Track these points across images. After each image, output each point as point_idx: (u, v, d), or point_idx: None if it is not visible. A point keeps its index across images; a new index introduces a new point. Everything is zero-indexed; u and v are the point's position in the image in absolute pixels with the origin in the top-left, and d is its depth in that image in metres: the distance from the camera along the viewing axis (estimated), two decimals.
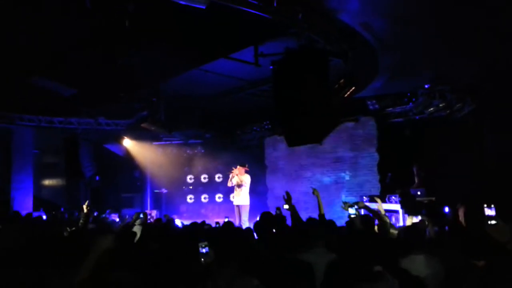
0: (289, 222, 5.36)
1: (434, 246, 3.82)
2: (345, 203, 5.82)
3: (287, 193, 5.35)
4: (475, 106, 8.55)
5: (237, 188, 9.83)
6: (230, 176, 9.93)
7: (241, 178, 9.77)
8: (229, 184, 10.07)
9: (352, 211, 5.60)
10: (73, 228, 5.42)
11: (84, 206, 5.82)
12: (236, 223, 8.78)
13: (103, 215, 10.06)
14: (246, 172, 9.99)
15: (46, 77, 8.79)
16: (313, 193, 5.75)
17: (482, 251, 2.65)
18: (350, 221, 5.20)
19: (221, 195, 14.43)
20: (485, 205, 4.18)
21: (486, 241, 2.64)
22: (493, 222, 3.21)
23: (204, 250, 3.52)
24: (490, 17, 5.88)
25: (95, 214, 10.56)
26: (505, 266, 2.40)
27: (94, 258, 3.20)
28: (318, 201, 5.59)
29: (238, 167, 9.89)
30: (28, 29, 6.57)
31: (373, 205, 8.76)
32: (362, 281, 2.52)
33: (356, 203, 5.52)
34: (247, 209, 9.65)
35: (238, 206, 9.74)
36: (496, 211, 4.06)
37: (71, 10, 5.27)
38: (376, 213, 5.13)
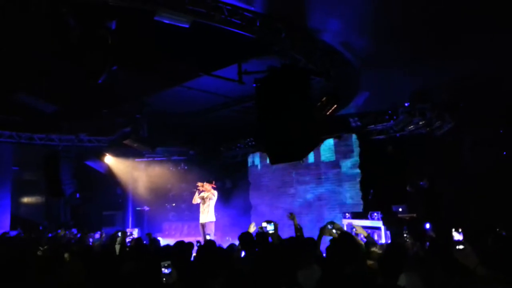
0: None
1: (415, 263, 3.84)
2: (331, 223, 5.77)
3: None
4: (454, 123, 8.74)
5: (202, 205, 9.65)
6: (196, 193, 9.75)
7: (208, 194, 9.60)
8: (194, 202, 9.85)
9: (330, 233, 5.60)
10: (45, 247, 5.32)
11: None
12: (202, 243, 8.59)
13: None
14: (214, 189, 9.84)
15: (27, 94, 8.68)
16: (290, 217, 5.84)
17: (459, 269, 2.69)
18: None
19: None
20: (453, 229, 4.20)
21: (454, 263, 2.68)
22: (461, 247, 3.24)
23: (166, 271, 3.46)
24: (466, 35, 6.08)
25: (75, 232, 10.35)
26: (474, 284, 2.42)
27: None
28: (294, 224, 5.69)
29: (205, 183, 9.75)
30: (9, 46, 6.51)
31: (356, 222, 8.86)
32: None
33: (331, 223, 5.48)
34: (212, 226, 9.45)
35: (202, 224, 9.52)
36: (464, 236, 4.09)
37: (54, 27, 5.25)
38: (350, 235, 5.10)
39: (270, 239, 5.34)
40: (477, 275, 2.56)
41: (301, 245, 4.48)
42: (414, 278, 3.26)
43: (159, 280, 3.42)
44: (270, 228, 5.52)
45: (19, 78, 7.95)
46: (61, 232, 6.34)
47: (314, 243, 4.84)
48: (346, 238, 4.80)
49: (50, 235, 9.40)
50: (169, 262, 3.54)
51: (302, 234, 5.55)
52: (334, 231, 5.60)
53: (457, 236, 4.13)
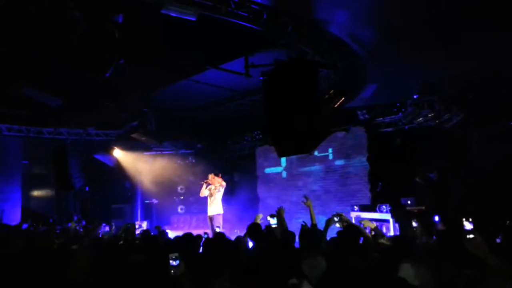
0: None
1: (424, 254, 3.83)
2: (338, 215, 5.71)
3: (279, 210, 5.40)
4: (463, 116, 8.66)
5: (209, 198, 9.71)
6: (204, 185, 9.79)
7: (215, 188, 9.67)
8: (201, 194, 9.90)
9: (338, 224, 5.56)
10: (59, 241, 5.38)
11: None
12: (210, 235, 8.65)
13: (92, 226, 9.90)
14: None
15: (33, 87, 8.74)
16: (306, 203, 5.76)
17: (469, 260, 2.67)
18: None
19: None
20: (464, 219, 4.16)
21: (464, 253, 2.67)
22: (471, 236, 3.22)
23: (174, 263, 3.47)
24: (474, 29, 6.00)
25: (84, 224, 10.45)
26: (487, 274, 2.42)
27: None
28: (310, 212, 5.62)
29: (212, 177, 9.81)
30: (15, 40, 6.55)
31: (364, 215, 8.85)
32: None
33: (338, 215, 5.43)
34: (220, 219, 9.50)
35: (210, 217, 9.60)
36: (474, 225, 4.06)
37: (60, 21, 5.27)
38: (356, 227, 5.07)
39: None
40: (487, 265, 2.54)
41: (307, 236, 4.47)
42: (422, 270, 3.24)
43: (167, 271, 3.44)
44: (273, 222, 5.45)
45: (26, 72, 8.00)
46: (72, 225, 6.42)
47: (320, 234, 4.84)
48: (352, 230, 4.82)
49: (59, 227, 9.51)
50: (176, 254, 3.55)
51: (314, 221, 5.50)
52: (337, 225, 5.60)
53: (468, 225, 4.10)
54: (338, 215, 5.41)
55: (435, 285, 2.80)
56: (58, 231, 8.18)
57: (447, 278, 2.78)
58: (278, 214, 5.67)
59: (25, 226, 10.42)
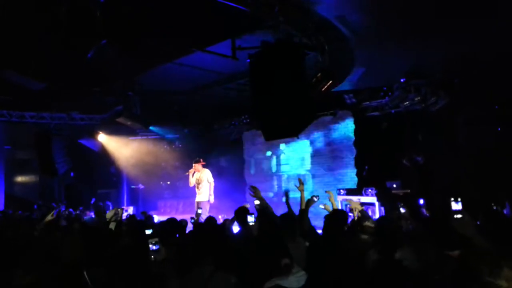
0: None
1: (409, 238, 3.85)
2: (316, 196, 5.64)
3: (253, 188, 5.22)
4: (449, 100, 8.70)
5: (197, 185, 9.64)
6: (189, 176, 9.71)
7: (201, 175, 9.62)
8: (190, 185, 9.78)
9: (321, 206, 5.55)
10: (42, 227, 5.31)
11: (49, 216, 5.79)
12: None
13: (77, 212, 9.81)
14: (204, 166, 9.81)
15: (13, 71, 8.50)
16: (298, 187, 5.71)
17: (456, 242, 2.69)
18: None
19: None
20: (452, 199, 4.20)
21: (452, 234, 2.68)
22: (459, 216, 3.24)
23: (154, 247, 3.41)
24: (462, 14, 5.99)
25: (71, 211, 10.33)
26: (475, 255, 2.43)
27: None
28: (301, 196, 5.57)
29: (194, 164, 9.71)
30: None
31: (350, 198, 8.90)
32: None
33: (316, 196, 5.35)
34: (207, 206, 9.45)
35: (198, 202, 9.58)
36: (463, 205, 4.10)
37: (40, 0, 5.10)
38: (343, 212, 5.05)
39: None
40: (475, 246, 2.57)
41: (284, 219, 4.45)
42: (407, 254, 3.27)
43: (147, 256, 3.38)
44: (251, 219, 5.17)
45: (7, 55, 7.76)
46: (56, 207, 6.36)
47: (298, 217, 4.83)
48: (338, 214, 4.84)
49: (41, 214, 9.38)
50: (156, 239, 3.48)
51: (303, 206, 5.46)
52: (321, 206, 5.60)
53: (455, 206, 4.13)
54: (316, 196, 5.34)
55: (421, 268, 2.81)
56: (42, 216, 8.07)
57: (433, 260, 2.80)
58: (256, 194, 5.52)
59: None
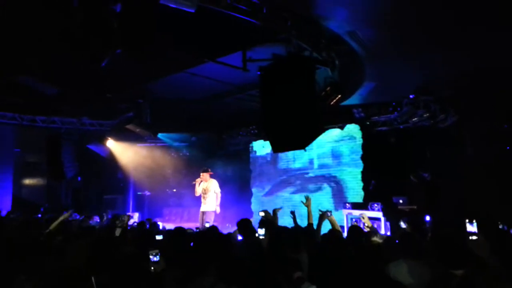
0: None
1: (416, 254, 3.84)
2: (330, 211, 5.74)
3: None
4: (458, 117, 8.69)
5: (203, 195, 9.67)
6: (196, 185, 9.73)
7: (208, 185, 9.65)
8: (196, 194, 9.81)
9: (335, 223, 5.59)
10: (48, 230, 5.35)
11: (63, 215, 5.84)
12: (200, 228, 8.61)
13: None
14: (211, 176, 9.86)
15: (28, 75, 8.64)
16: (305, 203, 5.79)
17: (461, 261, 2.68)
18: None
19: None
20: (467, 221, 4.20)
21: (466, 254, 2.68)
22: (474, 237, 3.24)
23: (155, 259, 3.44)
24: (475, 31, 6.02)
25: (77, 217, 10.37)
26: (482, 276, 2.43)
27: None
28: (308, 211, 5.65)
29: (201, 174, 9.75)
30: (10, 26, 6.46)
31: (355, 213, 8.89)
32: None
33: (330, 211, 5.46)
34: (212, 216, 9.47)
35: (203, 212, 9.60)
36: (478, 227, 4.10)
37: (57, 7, 5.20)
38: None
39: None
40: (488, 266, 2.56)
41: (289, 234, 4.47)
42: (416, 267, 3.27)
43: (147, 267, 3.41)
44: (261, 232, 5.05)
45: (21, 59, 7.90)
46: (67, 214, 6.39)
47: (313, 232, 4.87)
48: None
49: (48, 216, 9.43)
50: (157, 251, 3.52)
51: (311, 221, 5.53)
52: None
53: (470, 227, 4.14)
54: (329, 211, 5.45)
55: (429, 283, 2.81)
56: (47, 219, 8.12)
57: (440, 277, 2.80)
58: (274, 214, 5.74)
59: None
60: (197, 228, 6.98)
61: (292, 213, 5.96)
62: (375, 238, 4.79)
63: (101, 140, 13.79)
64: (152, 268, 3.39)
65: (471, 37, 6.27)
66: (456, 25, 5.95)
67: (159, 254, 3.46)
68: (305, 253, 3.99)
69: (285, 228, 4.94)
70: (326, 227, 5.13)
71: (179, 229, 4.58)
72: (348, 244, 4.20)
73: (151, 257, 3.43)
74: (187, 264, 3.44)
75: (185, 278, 3.21)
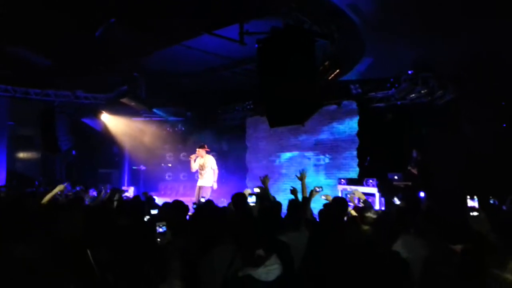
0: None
1: (410, 229, 3.86)
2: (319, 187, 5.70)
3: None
4: (456, 94, 8.65)
5: (200, 171, 9.66)
6: (191, 161, 9.69)
7: (204, 161, 9.64)
8: (192, 170, 9.79)
9: (323, 197, 5.60)
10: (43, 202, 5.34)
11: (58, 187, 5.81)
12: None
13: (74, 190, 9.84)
14: (208, 153, 9.84)
15: (21, 46, 8.45)
16: (299, 177, 5.75)
17: (460, 237, 2.69)
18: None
19: None
20: (468, 196, 4.21)
21: (466, 230, 2.69)
22: (475, 213, 3.25)
23: (161, 230, 3.44)
24: (477, 12, 5.92)
25: (69, 188, 10.35)
26: (481, 250, 2.45)
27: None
28: (302, 185, 5.63)
29: (197, 149, 9.72)
30: None
31: (351, 188, 8.94)
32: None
33: (319, 187, 5.44)
34: (209, 191, 9.51)
35: (200, 187, 9.63)
36: (479, 203, 4.12)
37: None
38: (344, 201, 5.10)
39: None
40: (487, 242, 2.58)
41: (293, 207, 4.48)
42: (413, 244, 3.29)
43: (152, 238, 3.41)
44: (251, 200, 5.20)
45: (14, 31, 7.71)
46: (61, 186, 6.36)
47: (303, 206, 4.87)
48: (339, 203, 4.87)
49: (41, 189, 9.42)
50: (164, 223, 3.52)
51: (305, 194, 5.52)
52: (323, 197, 5.64)
53: (471, 203, 4.15)
54: (319, 187, 5.43)
55: (427, 257, 2.83)
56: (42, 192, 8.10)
57: (437, 252, 2.81)
58: (263, 183, 5.71)
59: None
60: (194, 203, 6.97)
61: (294, 191, 5.88)
62: (369, 214, 4.79)
63: (96, 113, 13.65)
64: (159, 239, 3.39)
65: (476, 21, 6.18)
66: (459, 7, 5.84)
67: (165, 225, 3.45)
68: (304, 228, 4.00)
69: (276, 204, 4.96)
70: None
71: (178, 202, 4.56)
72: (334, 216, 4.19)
73: (157, 228, 3.43)
74: (203, 234, 3.44)
75: (202, 248, 3.22)
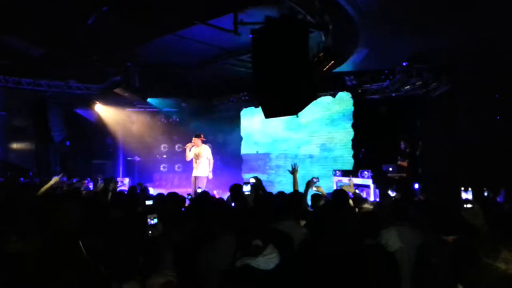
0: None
1: (405, 220, 3.88)
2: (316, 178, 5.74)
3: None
4: (450, 86, 8.66)
5: (195, 161, 9.64)
6: (187, 150, 9.69)
7: (200, 150, 9.62)
8: (187, 159, 9.79)
9: (314, 188, 5.64)
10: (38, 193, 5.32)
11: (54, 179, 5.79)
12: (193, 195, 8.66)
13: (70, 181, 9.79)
14: (204, 142, 9.82)
15: (13, 35, 8.33)
16: (291, 172, 5.74)
17: (453, 228, 2.71)
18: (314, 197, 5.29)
19: None
20: (462, 188, 4.23)
21: (458, 221, 2.70)
22: (469, 206, 3.27)
23: (152, 222, 3.45)
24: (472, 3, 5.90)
25: (65, 179, 10.31)
26: (473, 241, 2.46)
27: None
28: (294, 178, 5.64)
29: (193, 138, 9.69)
30: None
31: (346, 180, 8.96)
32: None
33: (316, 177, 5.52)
34: (205, 181, 9.51)
35: (195, 177, 9.62)
36: (473, 195, 4.14)
37: None
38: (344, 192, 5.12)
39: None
40: (481, 232, 2.59)
41: (286, 199, 4.50)
42: (407, 234, 3.30)
43: (144, 229, 3.41)
44: (246, 189, 5.22)
45: (5, 19, 7.60)
46: (56, 178, 6.34)
47: (300, 197, 4.89)
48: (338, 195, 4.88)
49: (37, 180, 9.37)
50: (155, 215, 3.52)
51: (296, 188, 5.54)
52: (314, 188, 5.66)
53: (465, 195, 4.17)
54: (316, 177, 5.48)
55: (420, 248, 2.85)
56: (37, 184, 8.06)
57: (430, 243, 2.83)
58: (294, 171, 5.67)
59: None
60: (188, 194, 6.96)
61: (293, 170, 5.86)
62: (366, 205, 4.82)
63: (89, 104, 13.54)
64: (150, 232, 3.39)
65: (468, 11, 6.16)
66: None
67: (157, 217, 3.45)
68: (291, 221, 3.99)
69: (269, 195, 4.97)
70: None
71: (174, 194, 4.56)
72: (334, 208, 4.21)
73: (149, 220, 3.43)
74: (207, 225, 3.44)
75: (202, 240, 3.22)
